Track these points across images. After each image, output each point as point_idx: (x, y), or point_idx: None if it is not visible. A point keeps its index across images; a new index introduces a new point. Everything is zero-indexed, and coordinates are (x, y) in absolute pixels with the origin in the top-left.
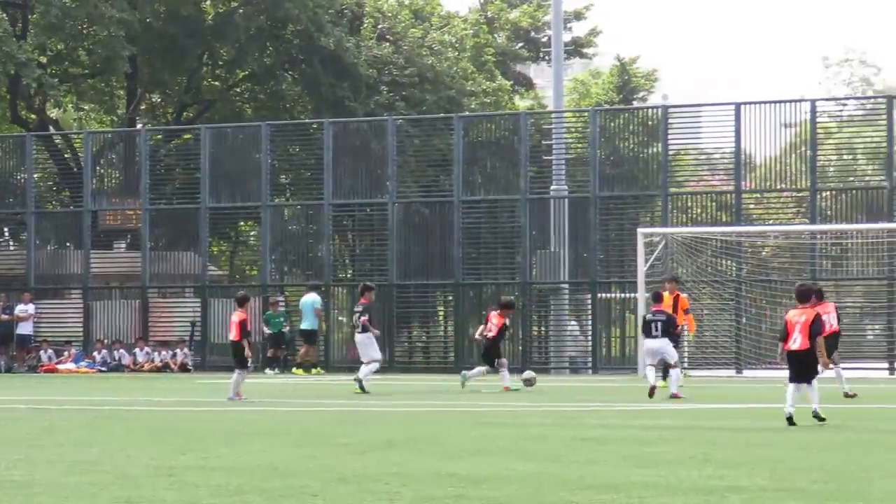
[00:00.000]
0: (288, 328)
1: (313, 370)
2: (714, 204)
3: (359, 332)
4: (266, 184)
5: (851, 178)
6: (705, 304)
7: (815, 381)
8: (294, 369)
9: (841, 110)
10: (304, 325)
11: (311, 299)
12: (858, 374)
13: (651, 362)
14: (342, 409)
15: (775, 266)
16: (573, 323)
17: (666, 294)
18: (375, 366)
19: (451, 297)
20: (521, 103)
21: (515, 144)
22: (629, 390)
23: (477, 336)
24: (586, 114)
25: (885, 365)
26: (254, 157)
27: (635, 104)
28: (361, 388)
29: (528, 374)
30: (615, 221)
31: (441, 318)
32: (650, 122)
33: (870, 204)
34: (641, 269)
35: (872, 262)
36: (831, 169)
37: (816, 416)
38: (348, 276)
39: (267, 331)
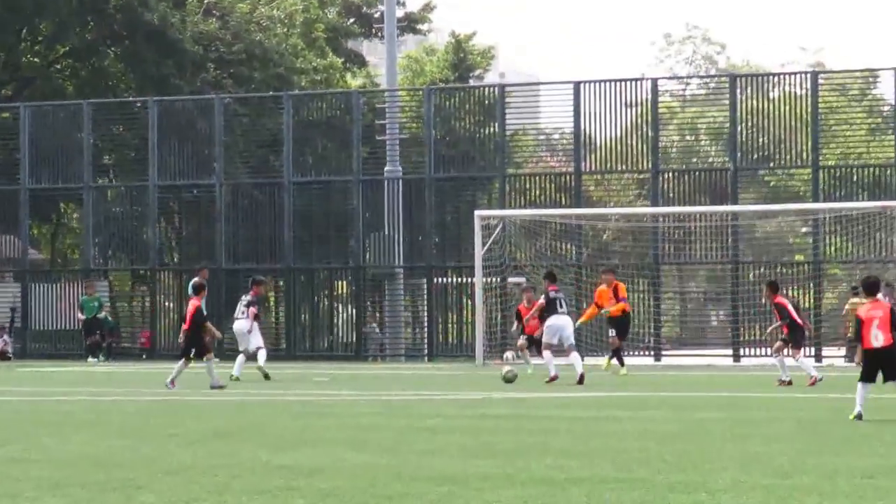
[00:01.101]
0: (104, 313)
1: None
2: (553, 185)
3: (239, 320)
4: (88, 164)
5: (694, 160)
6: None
7: None
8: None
9: (683, 89)
10: None
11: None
12: (703, 361)
13: (551, 340)
14: (168, 398)
15: (617, 250)
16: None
17: (604, 287)
18: (264, 353)
19: (281, 283)
20: (354, 81)
21: (347, 124)
22: (465, 378)
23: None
24: (421, 92)
25: (730, 352)
26: (75, 136)
27: (471, 83)
28: (265, 375)
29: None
30: (451, 204)
31: (272, 304)
32: (487, 102)
33: (713, 185)
34: (479, 252)
35: (716, 246)
36: (674, 150)
37: None
38: (175, 260)
39: (81, 316)
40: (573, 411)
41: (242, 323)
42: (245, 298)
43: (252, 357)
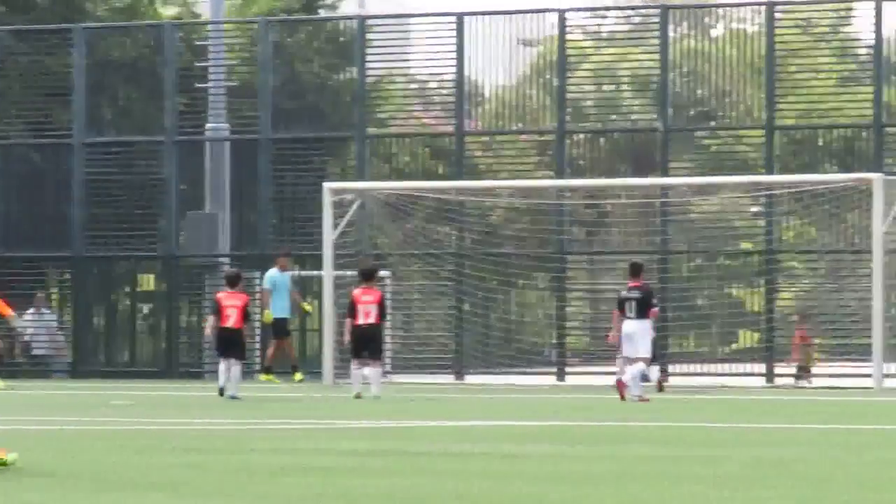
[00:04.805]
0: None
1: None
2: (428, 150)
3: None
4: None
5: (613, 117)
6: (416, 286)
7: None
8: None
9: (599, 24)
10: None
11: (275, 275)
12: (607, 381)
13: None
14: None
15: (510, 235)
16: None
17: None
18: None
19: (67, 276)
20: (166, 11)
21: (158, 67)
22: (325, 401)
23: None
24: (255, 26)
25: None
26: None
27: (322, 13)
28: None
29: None
30: (294, 173)
31: (56, 303)
32: (342, 39)
33: (637, 151)
34: (329, 237)
35: (640, 231)
36: (588, 103)
37: None
38: None
39: None
40: (454, 445)
41: None
42: None
43: None
